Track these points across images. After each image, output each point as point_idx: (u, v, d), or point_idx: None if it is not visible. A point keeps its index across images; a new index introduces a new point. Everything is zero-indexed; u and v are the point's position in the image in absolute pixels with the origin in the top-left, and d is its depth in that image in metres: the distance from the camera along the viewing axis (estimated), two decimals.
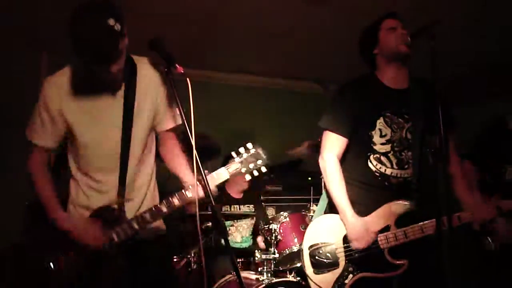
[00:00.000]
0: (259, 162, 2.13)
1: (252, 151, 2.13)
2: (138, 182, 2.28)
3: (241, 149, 2.14)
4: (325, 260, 2.51)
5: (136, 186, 2.27)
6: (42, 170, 2.23)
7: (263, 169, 2.14)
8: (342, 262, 2.49)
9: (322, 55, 5.01)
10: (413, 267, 2.41)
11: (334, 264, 2.50)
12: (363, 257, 2.44)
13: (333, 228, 2.53)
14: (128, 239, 2.14)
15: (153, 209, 2.14)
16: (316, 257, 2.53)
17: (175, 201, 2.13)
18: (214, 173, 2.12)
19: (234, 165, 2.11)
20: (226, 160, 2.20)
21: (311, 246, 2.57)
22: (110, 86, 2.16)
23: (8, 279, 2.14)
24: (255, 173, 2.14)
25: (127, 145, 2.20)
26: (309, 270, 2.54)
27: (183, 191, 2.13)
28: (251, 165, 2.12)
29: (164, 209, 2.13)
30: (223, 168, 2.11)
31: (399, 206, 2.45)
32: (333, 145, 2.56)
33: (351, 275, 2.46)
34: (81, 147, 2.19)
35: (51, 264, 2.10)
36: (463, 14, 3.92)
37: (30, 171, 2.23)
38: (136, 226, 2.14)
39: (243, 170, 2.12)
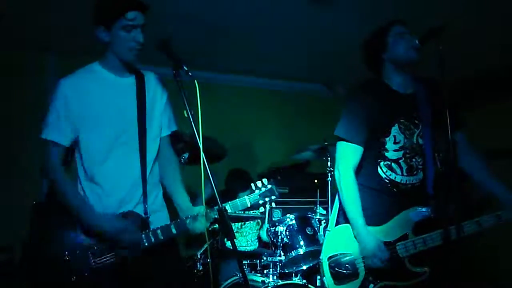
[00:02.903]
0: (273, 197, 2.37)
1: (269, 186, 2.37)
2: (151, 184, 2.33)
3: (259, 183, 2.38)
4: (344, 271, 2.46)
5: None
6: (63, 171, 2.23)
7: (273, 204, 2.39)
8: (362, 272, 2.44)
9: (329, 57, 5.00)
10: (434, 274, 2.36)
11: (354, 275, 2.45)
12: (383, 266, 2.38)
13: (351, 238, 2.48)
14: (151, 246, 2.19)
15: (179, 221, 2.22)
16: (336, 268, 2.48)
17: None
18: (238, 201, 2.30)
19: (254, 197, 2.35)
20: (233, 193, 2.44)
21: (330, 257, 2.52)
22: (126, 75, 2.28)
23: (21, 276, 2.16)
24: (267, 206, 2.38)
25: (144, 152, 2.26)
26: (329, 281, 2.49)
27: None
28: (267, 199, 2.36)
29: (190, 224, 2.21)
30: (246, 197, 2.32)
31: (416, 213, 2.41)
32: (350, 156, 2.50)
33: (372, 285, 2.42)
34: (92, 150, 2.21)
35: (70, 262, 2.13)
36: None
37: (52, 172, 2.21)
38: (161, 237, 2.20)
39: (261, 202, 2.36)
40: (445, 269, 2.35)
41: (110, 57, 2.25)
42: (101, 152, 2.21)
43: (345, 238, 2.51)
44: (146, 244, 2.17)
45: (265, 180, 2.38)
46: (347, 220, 2.51)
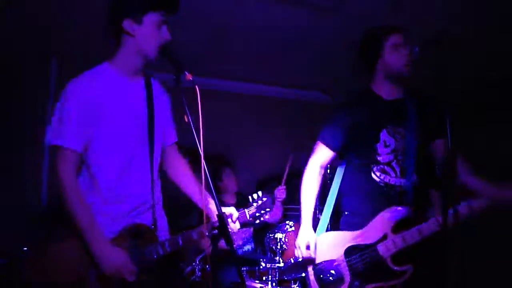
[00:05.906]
0: (267, 209, 2.45)
1: (264, 199, 2.44)
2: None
3: (255, 195, 2.46)
4: (330, 278, 2.50)
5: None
6: (77, 187, 2.09)
7: (266, 217, 2.46)
8: (347, 277, 2.47)
9: (330, 65, 5.01)
10: (417, 271, 2.38)
11: (339, 280, 2.48)
12: (367, 268, 2.43)
13: (333, 244, 2.54)
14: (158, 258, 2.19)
15: (185, 234, 2.22)
16: (321, 276, 2.52)
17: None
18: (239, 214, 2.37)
19: (253, 209, 2.42)
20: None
21: (315, 265, 2.56)
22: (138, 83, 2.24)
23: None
24: (261, 219, 2.45)
25: (152, 158, 2.24)
26: None
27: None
28: (262, 211, 2.43)
29: (195, 237, 2.23)
30: (246, 210, 2.41)
31: (392, 212, 2.44)
32: (319, 154, 2.71)
33: None
34: (105, 157, 2.14)
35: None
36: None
37: (64, 183, 2.06)
38: (168, 249, 2.19)
39: (257, 214, 2.43)
40: (427, 264, 2.38)
41: (125, 56, 2.17)
42: (115, 159, 2.14)
43: (327, 245, 2.56)
44: (155, 256, 2.16)
45: (259, 193, 2.47)
46: (331, 228, 2.62)
